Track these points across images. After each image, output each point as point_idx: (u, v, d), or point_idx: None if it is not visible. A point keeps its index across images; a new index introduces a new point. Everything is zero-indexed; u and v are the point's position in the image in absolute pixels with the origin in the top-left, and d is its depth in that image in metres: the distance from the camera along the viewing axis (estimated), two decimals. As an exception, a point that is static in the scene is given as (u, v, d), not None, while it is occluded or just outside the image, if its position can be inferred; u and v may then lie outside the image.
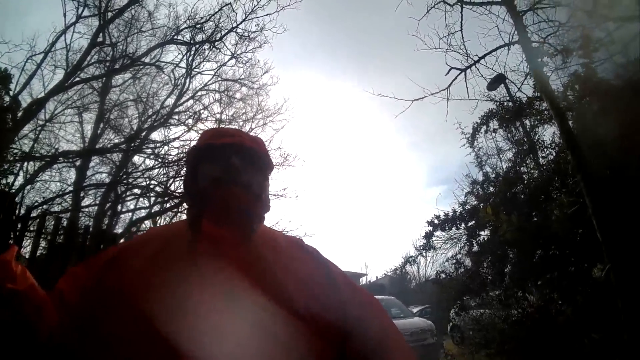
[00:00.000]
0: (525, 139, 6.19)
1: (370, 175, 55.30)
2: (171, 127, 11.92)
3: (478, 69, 6.29)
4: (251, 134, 1.20)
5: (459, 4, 5.92)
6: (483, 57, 6.01)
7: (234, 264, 0.88)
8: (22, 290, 0.84)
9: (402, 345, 1.02)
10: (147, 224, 12.55)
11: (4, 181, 5.59)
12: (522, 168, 6.24)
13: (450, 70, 6.12)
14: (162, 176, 11.70)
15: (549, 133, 5.85)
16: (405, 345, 1.03)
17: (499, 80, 7.06)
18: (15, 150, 8.22)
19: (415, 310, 11.70)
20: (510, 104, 6.59)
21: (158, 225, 12.70)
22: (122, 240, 7.06)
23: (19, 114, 7.39)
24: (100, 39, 9.01)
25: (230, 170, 0.99)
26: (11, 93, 7.02)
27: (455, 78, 6.13)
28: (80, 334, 0.85)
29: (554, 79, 5.51)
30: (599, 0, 4.74)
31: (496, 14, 5.99)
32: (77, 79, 9.16)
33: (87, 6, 8.70)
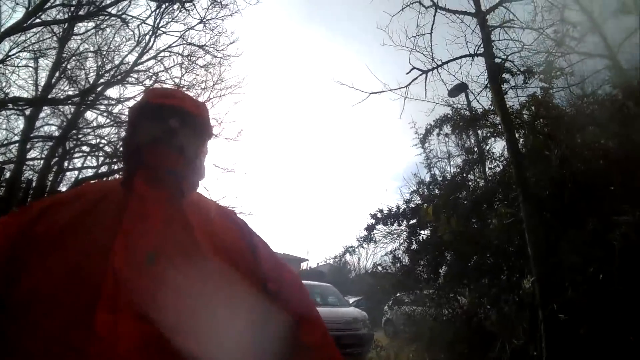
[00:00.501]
0: (476, 149, 6.44)
1: (322, 162, 55.64)
2: (128, 85, 11.74)
3: (439, 74, 6.42)
4: (199, 99, 1.21)
5: (434, 7, 5.97)
6: (447, 62, 6.11)
7: (159, 224, 0.91)
8: None
9: (317, 322, 1.05)
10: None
11: None
12: (469, 175, 6.51)
13: (412, 69, 6.16)
14: (113, 136, 11.48)
15: (499, 146, 6.15)
16: (321, 322, 1.06)
17: (461, 88, 7.25)
18: None
19: (351, 300, 12.01)
20: (466, 111, 6.81)
21: None
22: None
23: None
24: None
25: (167, 131, 0.99)
26: None
27: (416, 78, 6.20)
28: (6, 281, 0.85)
29: (512, 97, 5.77)
30: (567, 33, 4.98)
31: (467, 23, 6.12)
32: (38, 20, 8.55)
33: None
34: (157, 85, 10.78)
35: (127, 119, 1.14)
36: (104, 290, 0.78)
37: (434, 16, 5.95)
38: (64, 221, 0.91)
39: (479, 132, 6.42)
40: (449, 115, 7.22)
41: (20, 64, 10.68)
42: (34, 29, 9.30)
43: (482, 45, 5.14)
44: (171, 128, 1.00)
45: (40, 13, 8.41)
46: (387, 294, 7.78)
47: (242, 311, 0.90)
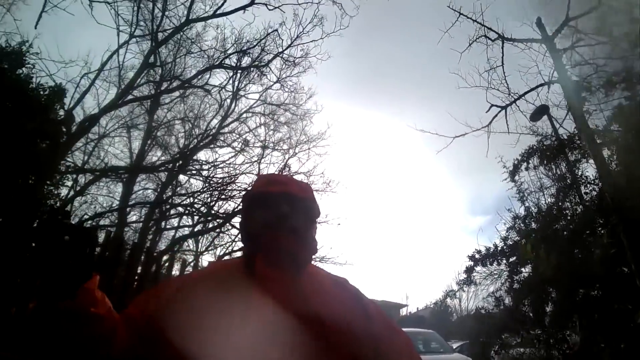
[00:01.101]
0: (568, 175, 6.06)
1: (411, 206, 54.31)
2: (217, 148, 12.07)
3: (518, 106, 6.33)
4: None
5: (500, 39, 6.01)
6: (523, 94, 6.06)
7: (281, 302, 0.97)
8: (102, 314, 0.95)
9: None
10: (190, 242, 12.84)
11: (55, 192, 5.97)
12: (565, 204, 6.09)
13: (491, 107, 6.20)
14: (206, 197, 11.76)
15: (592, 168, 5.71)
16: None
17: (542, 111, 6.95)
18: (68, 163, 8.48)
19: (455, 345, 11.25)
20: (551, 139, 6.49)
21: (201, 244, 13.12)
22: (165, 258, 7.32)
23: (73, 128, 7.62)
24: (151, 61, 9.33)
25: (280, 217, 1.07)
26: (66, 107, 7.14)
27: (496, 115, 6.22)
28: (147, 353, 0.98)
29: (598, 114, 5.44)
30: None
31: (537, 50, 6.04)
32: (130, 97, 9.44)
33: (139, 27, 9.01)
34: (247, 149, 11.58)
35: (241, 206, 1.27)
36: None
37: (502, 48, 5.99)
38: (198, 299, 1.01)
39: (569, 154, 6.05)
40: (534, 147, 6.93)
41: (115, 136, 11.80)
42: (126, 106, 10.22)
43: (555, 71, 5.03)
44: (283, 213, 1.08)
45: (130, 90, 9.25)
46: (492, 337, 7.31)
47: None
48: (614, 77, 5.07)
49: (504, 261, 7.06)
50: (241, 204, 1.32)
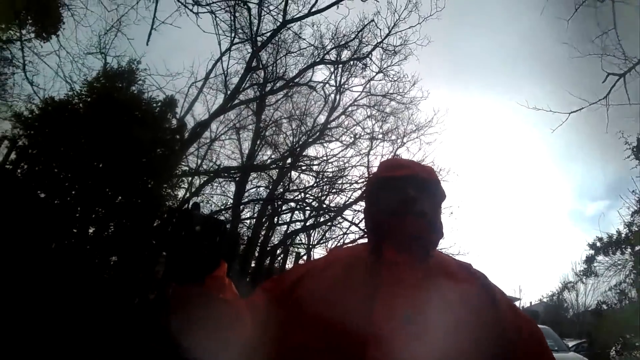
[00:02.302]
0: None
1: (524, 192, 49.99)
2: (325, 143, 12.49)
3: (638, 73, 5.49)
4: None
5: (610, -3, 5.30)
6: (644, 57, 5.23)
7: (411, 287, 0.98)
8: (230, 300, 0.99)
9: None
10: (302, 236, 13.32)
11: (173, 194, 6.67)
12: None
13: (607, 76, 5.50)
14: (316, 191, 12.39)
15: None
16: None
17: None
18: (183, 167, 9.32)
19: (571, 344, 10.17)
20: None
21: (313, 238, 13.53)
22: (278, 252, 7.73)
23: (186, 134, 8.43)
24: (253, 64, 9.85)
25: (407, 200, 1.07)
26: (177, 116, 7.95)
27: (614, 85, 5.50)
28: (271, 341, 0.98)
29: None
30: None
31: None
32: (236, 101, 10.13)
33: (238, 34, 9.51)
34: (358, 142, 11.58)
35: (365, 192, 1.38)
36: (369, 349, 0.87)
37: (613, 7, 5.27)
38: (323, 286, 1.01)
39: None
40: (663, 114, 5.96)
41: (225, 138, 12.76)
42: (234, 109, 10.94)
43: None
44: (410, 197, 1.06)
45: (237, 95, 9.92)
46: (613, 336, 6.52)
47: None
48: None
49: (629, 250, 6.28)
50: (365, 190, 1.37)
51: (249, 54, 10.00)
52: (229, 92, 9.75)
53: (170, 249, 0.98)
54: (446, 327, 0.91)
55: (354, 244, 10.37)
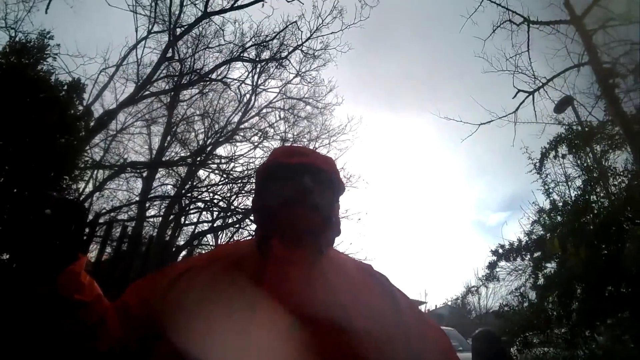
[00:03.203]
0: (595, 166, 5.79)
1: (431, 200, 53.76)
2: (237, 143, 12.29)
3: (546, 92, 6.09)
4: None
5: (526, 23, 5.78)
6: (551, 79, 5.83)
7: (299, 287, 0.87)
8: (89, 302, 0.85)
9: None
10: (210, 237, 12.87)
11: (74, 187, 6.04)
12: (591, 197, 5.81)
13: (517, 92, 6.01)
14: (226, 191, 11.99)
15: (621, 159, 5.41)
16: None
17: (566, 102, 6.68)
18: (86, 158, 8.64)
19: (475, 343, 11.08)
20: (579, 127, 6.22)
21: (220, 240, 13.04)
22: (184, 253, 7.30)
23: (91, 123, 7.87)
24: (169, 55, 9.49)
25: (301, 190, 0.95)
26: (84, 103, 7.34)
27: (523, 101, 6.01)
28: (142, 347, 0.87)
29: (627, 102, 5.16)
30: None
31: (564, 33, 5.78)
32: (147, 92, 9.71)
33: (157, 22, 9.24)
34: (265, 142, 11.61)
35: (252, 178, 1.20)
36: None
37: (528, 32, 5.76)
38: (201, 286, 0.89)
39: (597, 147, 5.78)
40: (562, 135, 6.66)
41: (134, 132, 12.27)
42: (145, 100, 10.59)
43: (585, 53, 4.79)
44: (305, 187, 0.95)
45: (148, 86, 9.51)
46: (514, 335, 7.08)
47: None
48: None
49: (528, 256, 6.85)
50: (255, 178, 1.18)
51: (166, 44, 9.56)
52: (141, 81, 9.34)
53: (17, 240, 0.78)
54: (341, 335, 0.81)
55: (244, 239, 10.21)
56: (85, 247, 3.21)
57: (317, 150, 1.25)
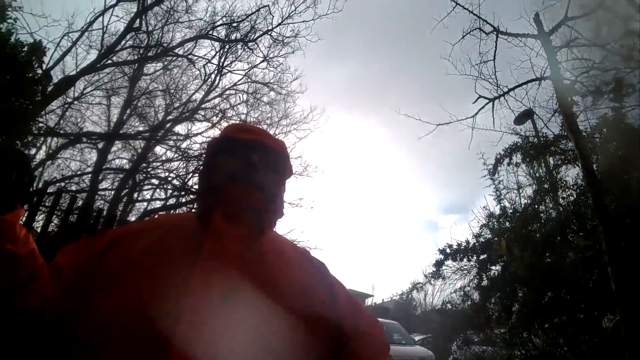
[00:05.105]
0: (547, 177, 6.08)
1: (386, 197, 55.02)
2: (196, 122, 12.07)
3: (507, 101, 6.27)
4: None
5: (495, 33, 5.91)
6: (513, 88, 5.98)
7: (236, 262, 0.87)
8: (21, 255, 0.81)
9: None
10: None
11: (26, 152, 5.67)
12: (540, 206, 6.11)
13: (478, 98, 6.11)
14: (181, 170, 11.99)
15: (572, 174, 5.73)
16: None
17: (527, 115, 6.97)
18: (41, 124, 8.28)
19: (417, 338, 11.43)
20: (535, 139, 6.50)
21: None
22: None
23: (49, 88, 7.46)
24: (136, 25, 9.08)
25: (248, 167, 0.96)
26: (44, 66, 6.98)
27: (483, 107, 6.13)
28: (73, 309, 0.84)
29: (583, 120, 5.44)
30: (635, 47, 4.68)
31: (531, 47, 5.98)
32: (110, 61, 9.35)
33: None
34: (223, 122, 11.34)
35: (204, 154, 1.14)
36: (178, 331, 0.74)
37: (496, 41, 5.89)
38: (136, 252, 0.88)
39: (550, 159, 6.07)
40: (518, 144, 6.94)
41: (94, 102, 11.69)
42: (107, 70, 10.20)
43: (548, 68, 4.97)
44: (252, 164, 0.96)
45: (112, 55, 9.14)
46: (455, 332, 7.37)
47: (313, 356, 0.86)
48: (604, 85, 5.07)
49: (475, 258, 7.10)
50: (205, 151, 1.11)
51: (134, 13, 9.12)
52: (104, 49, 8.87)
53: None
54: (273, 311, 0.82)
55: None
56: (31, 212, 2.99)
57: (268, 131, 1.21)
